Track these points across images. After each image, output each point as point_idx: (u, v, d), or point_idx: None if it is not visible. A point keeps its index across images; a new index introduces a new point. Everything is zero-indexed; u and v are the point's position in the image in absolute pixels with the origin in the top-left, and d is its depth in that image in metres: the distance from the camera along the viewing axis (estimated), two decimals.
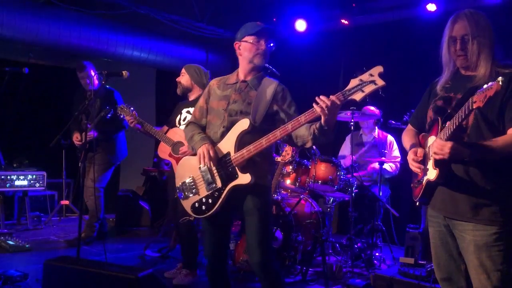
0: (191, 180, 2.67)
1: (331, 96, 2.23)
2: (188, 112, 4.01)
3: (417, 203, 2.27)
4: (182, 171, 2.75)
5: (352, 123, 4.60)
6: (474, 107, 1.81)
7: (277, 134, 2.44)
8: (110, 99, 4.90)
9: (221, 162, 2.56)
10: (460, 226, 2.09)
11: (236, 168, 2.51)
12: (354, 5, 5.86)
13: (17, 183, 5.68)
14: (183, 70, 4.06)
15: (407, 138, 2.43)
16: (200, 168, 2.61)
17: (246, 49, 2.65)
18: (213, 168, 2.57)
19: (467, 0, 5.18)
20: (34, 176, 5.82)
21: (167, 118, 4.23)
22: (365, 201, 4.74)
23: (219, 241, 2.67)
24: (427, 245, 4.10)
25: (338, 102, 2.22)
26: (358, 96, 2.18)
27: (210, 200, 2.58)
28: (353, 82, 2.20)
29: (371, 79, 2.16)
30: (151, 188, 6.46)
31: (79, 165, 5.14)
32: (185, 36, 6.98)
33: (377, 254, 4.58)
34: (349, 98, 2.20)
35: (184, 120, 4.01)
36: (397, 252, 4.79)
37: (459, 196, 2.07)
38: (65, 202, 6.35)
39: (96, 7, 6.20)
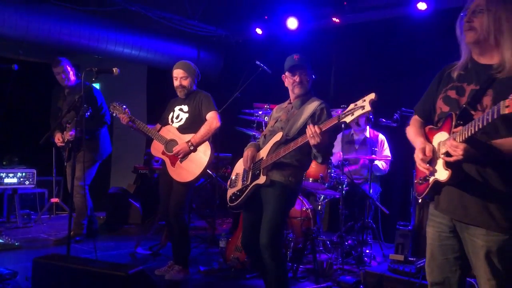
0: (236, 176, 3.25)
1: (311, 126, 2.66)
2: (180, 110, 3.99)
3: (420, 200, 2.15)
4: (237, 168, 3.30)
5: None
6: (506, 112, 1.60)
7: (291, 146, 2.87)
8: (88, 96, 4.72)
9: (255, 164, 3.09)
10: (470, 230, 1.93)
11: (262, 170, 3.01)
12: (345, 3, 5.88)
13: (6, 180, 5.64)
14: (182, 73, 3.93)
15: (413, 129, 2.22)
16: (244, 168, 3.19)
17: (287, 82, 3.16)
18: (250, 168, 3.12)
19: None
20: (24, 174, 5.78)
21: (158, 115, 4.21)
22: (356, 199, 4.76)
23: (253, 225, 3.08)
24: (417, 243, 4.15)
25: (318, 131, 2.62)
26: (348, 119, 2.48)
27: (239, 193, 3.13)
28: (350, 106, 2.47)
29: (362, 105, 2.41)
30: (142, 186, 6.44)
31: (65, 164, 5.13)
32: (177, 33, 6.97)
33: (367, 251, 4.61)
34: (342, 120, 2.51)
35: (177, 118, 3.99)
36: (387, 249, 4.81)
37: (470, 198, 1.90)
38: (55, 200, 6.30)
39: (87, 4, 6.18)
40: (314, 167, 4.33)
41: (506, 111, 1.60)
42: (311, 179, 4.38)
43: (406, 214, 5.10)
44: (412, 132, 2.21)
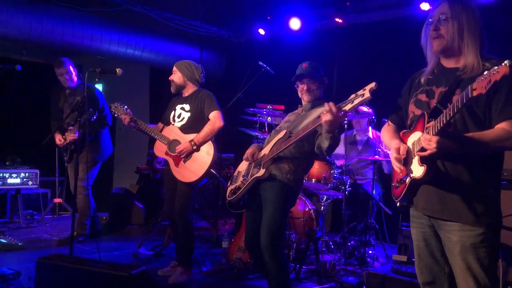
0: (238, 174, 3.32)
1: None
2: (182, 108, 3.98)
3: (398, 204, 2.13)
4: (239, 167, 3.38)
5: (345, 122, 4.61)
6: (474, 95, 1.66)
7: (292, 138, 2.92)
8: (91, 97, 4.64)
9: (258, 161, 3.15)
10: (446, 226, 1.99)
11: (262, 164, 3.07)
12: (348, 4, 5.88)
13: (9, 181, 5.65)
14: (174, 68, 4.02)
15: (387, 134, 2.30)
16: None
17: (297, 90, 3.25)
18: (252, 164, 3.19)
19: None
20: (27, 174, 5.79)
21: (161, 116, 4.21)
22: (358, 199, 4.75)
23: (254, 224, 3.11)
24: None
25: (334, 109, 2.49)
26: (348, 107, 2.46)
27: (239, 187, 3.18)
28: (350, 97, 2.46)
29: (362, 93, 2.39)
30: (145, 186, 6.44)
31: (66, 165, 5.14)
32: (179, 34, 6.98)
33: (370, 252, 4.59)
34: (342, 108, 2.49)
35: (178, 117, 3.98)
36: (390, 250, 4.80)
37: (445, 195, 1.96)
38: (58, 200, 6.31)
39: (89, 5, 6.19)
40: (316, 168, 4.33)
41: (474, 93, 1.66)
42: (314, 179, 4.37)
43: (409, 215, 5.07)
44: (387, 136, 2.29)
